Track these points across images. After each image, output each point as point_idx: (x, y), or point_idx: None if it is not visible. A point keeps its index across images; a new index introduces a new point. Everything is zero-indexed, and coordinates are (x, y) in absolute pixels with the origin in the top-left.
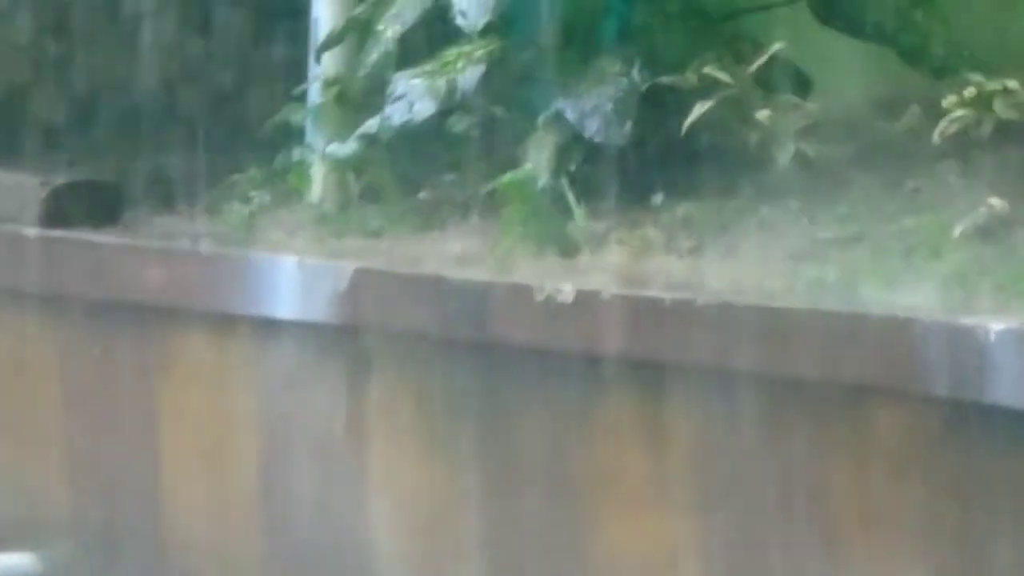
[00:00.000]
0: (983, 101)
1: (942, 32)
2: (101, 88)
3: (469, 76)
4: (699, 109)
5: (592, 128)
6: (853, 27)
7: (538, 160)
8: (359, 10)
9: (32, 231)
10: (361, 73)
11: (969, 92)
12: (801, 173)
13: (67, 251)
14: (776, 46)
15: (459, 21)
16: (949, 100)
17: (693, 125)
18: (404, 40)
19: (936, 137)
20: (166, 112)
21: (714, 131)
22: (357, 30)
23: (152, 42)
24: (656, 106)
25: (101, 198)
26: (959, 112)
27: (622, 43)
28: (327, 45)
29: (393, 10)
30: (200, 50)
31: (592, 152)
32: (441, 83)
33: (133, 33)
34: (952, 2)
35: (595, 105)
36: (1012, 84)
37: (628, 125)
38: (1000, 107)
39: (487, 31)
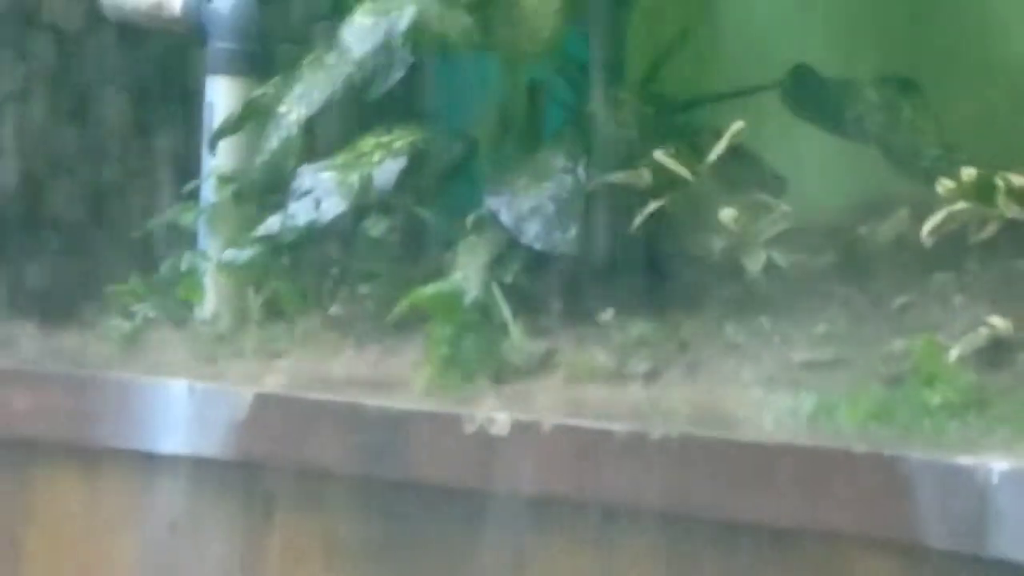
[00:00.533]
0: (985, 192)
1: (933, 130)
2: None
3: (388, 170)
4: (651, 207)
5: (531, 233)
6: (831, 121)
7: (468, 269)
8: (260, 92)
9: None
10: (259, 162)
11: (968, 176)
12: (773, 285)
13: None
14: (736, 126)
15: (346, 56)
16: (944, 187)
17: (648, 228)
18: (311, 127)
19: (926, 234)
20: (33, 212)
21: (672, 235)
22: (258, 115)
23: (17, 130)
24: (605, 207)
25: None
26: (957, 205)
27: (567, 134)
28: (222, 133)
29: (298, 90)
30: (74, 139)
31: (531, 260)
32: (354, 178)
33: None
34: (943, 96)
35: (535, 206)
36: (1019, 180)
37: (573, 230)
38: (1004, 203)
39: (411, 119)
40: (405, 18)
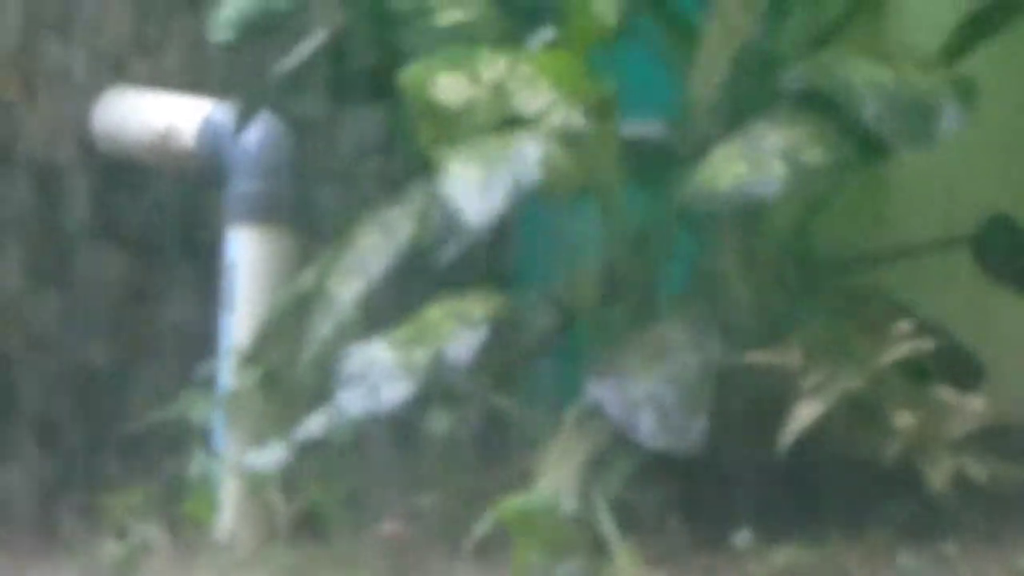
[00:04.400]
0: None
1: None
2: None
3: (462, 345)
4: (808, 411)
5: (644, 428)
6: None
7: (562, 476)
8: (308, 275)
9: None
10: (306, 357)
11: None
12: (963, 501)
13: None
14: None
15: (463, 219)
16: None
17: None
18: (373, 298)
19: None
20: (5, 397)
21: (830, 433)
22: (300, 291)
23: None
24: (741, 395)
25: None
26: None
27: (689, 299)
28: (265, 338)
29: (352, 260)
30: (58, 304)
31: (645, 463)
32: (420, 356)
33: None
34: None
35: (649, 394)
36: None
37: (700, 424)
38: None
39: (490, 283)
40: (532, 166)
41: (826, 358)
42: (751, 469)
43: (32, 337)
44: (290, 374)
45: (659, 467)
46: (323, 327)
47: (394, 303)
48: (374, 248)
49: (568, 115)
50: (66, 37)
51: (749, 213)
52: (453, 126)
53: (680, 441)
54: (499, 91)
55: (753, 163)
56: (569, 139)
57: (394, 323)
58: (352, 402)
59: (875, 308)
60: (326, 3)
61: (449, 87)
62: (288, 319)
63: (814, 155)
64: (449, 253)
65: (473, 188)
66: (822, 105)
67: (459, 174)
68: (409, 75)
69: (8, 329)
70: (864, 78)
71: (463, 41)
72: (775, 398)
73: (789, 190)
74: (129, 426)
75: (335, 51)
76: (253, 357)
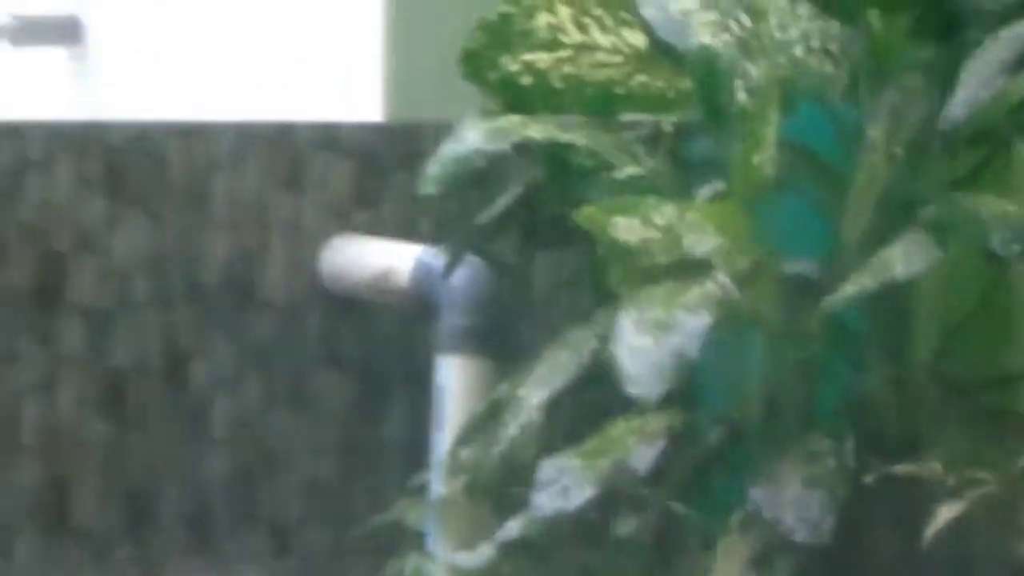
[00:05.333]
0: None
1: None
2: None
3: (643, 455)
4: (949, 511)
5: (788, 523)
6: None
7: (730, 573)
8: (499, 384)
9: None
10: (496, 452)
11: None
12: None
13: None
14: None
15: (629, 389)
16: None
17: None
18: (555, 412)
19: None
20: (247, 505)
21: (971, 537)
22: (497, 408)
23: (225, 415)
24: (886, 501)
25: None
26: None
27: (839, 417)
28: (464, 440)
29: (540, 374)
30: (293, 426)
31: (804, 562)
32: (605, 463)
33: (200, 414)
34: None
35: (796, 495)
36: None
37: (830, 520)
38: None
39: (666, 400)
40: (693, 341)
41: (964, 467)
42: (899, 565)
43: (270, 453)
44: (487, 476)
45: (816, 565)
46: (511, 428)
47: (580, 411)
48: (560, 363)
49: (733, 258)
50: (299, 192)
51: (893, 338)
52: (631, 263)
53: (814, 534)
54: (670, 234)
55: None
56: (734, 279)
57: (579, 429)
58: (546, 503)
59: (1009, 422)
60: (519, 161)
61: (626, 228)
62: (484, 424)
63: (924, 256)
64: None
65: (642, 361)
66: (953, 236)
67: (630, 342)
68: (588, 214)
69: (249, 446)
70: (992, 210)
71: (639, 192)
72: (920, 503)
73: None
74: (355, 530)
75: (528, 202)
76: (457, 465)
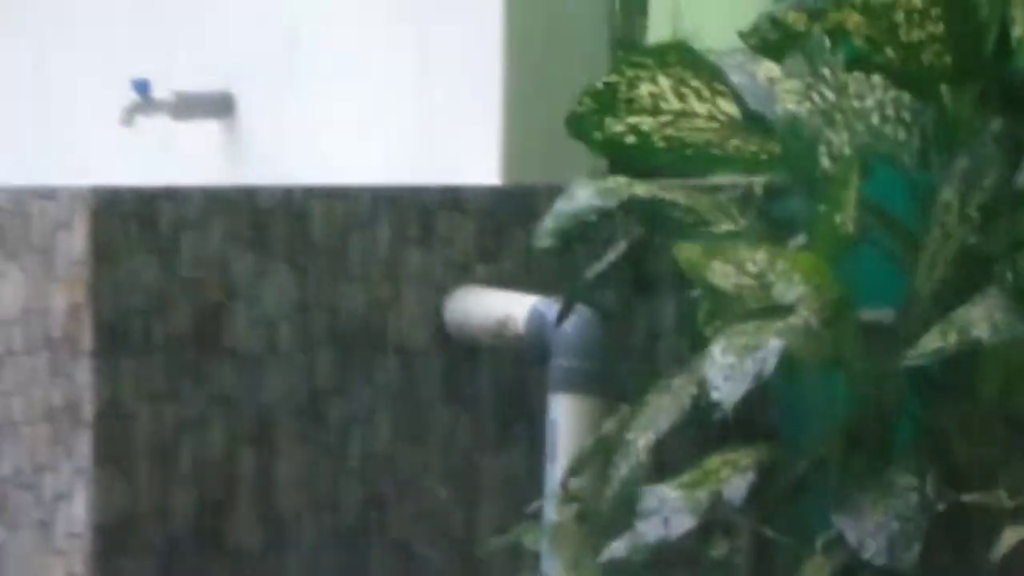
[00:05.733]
0: None
1: None
2: (309, 495)
3: (736, 486)
4: (1013, 534)
5: (872, 549)
6: None
7: None
8: (610, 424)
9: None
10: (609, 494)
11: None
12: None
13: None
14: None
15: (712, 396)
16: None
17: (1007, 556)
18: (659, 448)
19: None
20: (378, 530)
21: None
22: (605, 444)
23: (362, 452)
24: (958, 529)
25: None
26: None
27: (915, 451)
28: (575, 471)
29: (646, 414)
30: (421, 460)
31: None
32: (703, 495)
33: (337, 447)
34: None
35: (879, 524)
36: None
37: (916, 548)
38: None
39: (757, 437)
40: (772, 358)
41: None
42: None
43: (400, 483)
44: (596, 507)
45: None
46: (622, 469)
47: (682, 450)
48: (663, 407)
49: (817, 305)
50: (426, 249)
51: (962, 378)
52: (725, 306)
53: (900, 561)
54: (761, 281)
55: (960, 330)
56: (819, 323)
57: (681, 467)
58: (648, 531)
59: None
60: (625, 218)
61: (722, 273)
62: (592, 457)
63: (1008, 323)
64: (720, 415)
65: (725, 375)
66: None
67: (718, 361)
68: (687, 255)
69: (381, 476)
70: None
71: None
72: (987, 529)
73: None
74: (477, 551)
75: (632, 256)
76: (568, 494)
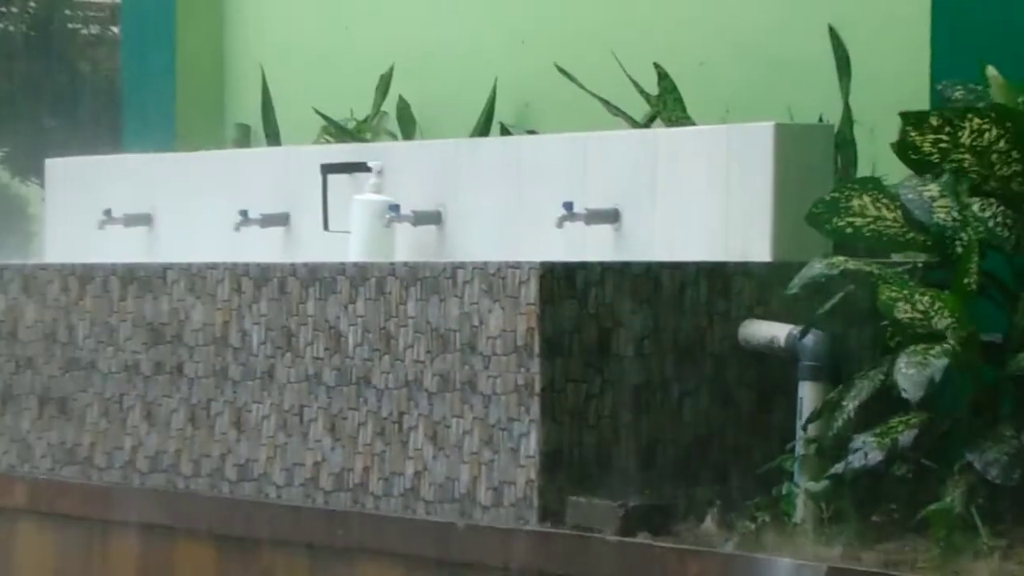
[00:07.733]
0: None
1: None
2: (656, 439)
3: (907, 436)
4: None
5: (992, 473)
6: None
7: (954, 496)
8: (831, 395)
9: (612, 539)
10: (831, 434)
11: None
12: None
13: (636, 553)
14: None
15: (903, 395)
16: None
17: None
18: (860, 411)
19: None
20: (703, 457)
21: None
22: (829, 409)
23: (688, 407)
24: None
25: (659, 515)
26: None
27: (1015, 417)
28: (811, 419)
29: (853, 391)
30: (722, 421)
31: (994, 492)
32: (887, 441)
33: (678, 406)
34: None
35: (995, 458)
36: None
37: (1019, 473)
38: None
39: (919, 406)
40: (939, 371)
41: None
42: None
43: (714, 430)
44: (825, 445)
45: (1001, 494)
46: (839, 422)
47: (875, 412)
48: (864, 386)
49: (957, 333)
50: (726, 297)
51: None
52: (902, 330)
53: (1010, 479)
54: (925, 315)
55: None
56: (959, 344)
57: (874, 423)
58: (855, 460)
59: None
60: (841, 280)
61: (902, 309)
62: (820, 415)
63: None
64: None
65: (910, 380)
66: None
67: (904, 371)
68: (885, 299)
69: (702, 425)
70: None
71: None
72: None
73: None
74: (757, 470)
75: (845, 301)
76: (810, 439)
